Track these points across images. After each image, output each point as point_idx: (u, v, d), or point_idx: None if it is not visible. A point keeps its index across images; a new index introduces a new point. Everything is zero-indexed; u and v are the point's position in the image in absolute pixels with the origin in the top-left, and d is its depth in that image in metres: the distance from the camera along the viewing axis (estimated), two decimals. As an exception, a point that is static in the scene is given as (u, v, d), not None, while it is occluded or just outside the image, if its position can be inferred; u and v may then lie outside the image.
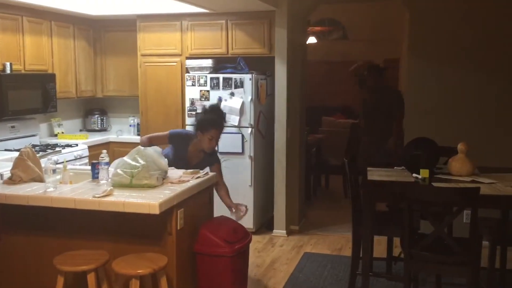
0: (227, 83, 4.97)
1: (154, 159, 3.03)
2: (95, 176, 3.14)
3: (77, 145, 4.97)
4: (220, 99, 5.01)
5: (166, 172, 3.14)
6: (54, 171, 2.99)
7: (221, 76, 5.01)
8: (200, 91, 5.08)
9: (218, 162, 3.78)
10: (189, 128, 4.98)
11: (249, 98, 4.90)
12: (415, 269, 3.24)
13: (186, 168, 3.46)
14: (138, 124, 5.74)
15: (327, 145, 7.29)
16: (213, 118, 3.61)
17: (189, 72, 5.19)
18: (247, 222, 4.91)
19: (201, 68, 5.12)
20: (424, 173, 3.37)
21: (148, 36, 5.41)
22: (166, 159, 3.17)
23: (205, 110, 3.75)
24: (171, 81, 5.36)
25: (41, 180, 3.09)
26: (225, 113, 3.89)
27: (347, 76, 10.83)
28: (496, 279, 3.59)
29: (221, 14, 5.11)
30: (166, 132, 3.82)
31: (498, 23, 4.54)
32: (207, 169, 3.63)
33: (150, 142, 3.62)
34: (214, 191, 3.58)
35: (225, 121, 3.74)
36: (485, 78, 4.61)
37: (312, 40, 9.62)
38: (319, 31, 10.07)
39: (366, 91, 5.95)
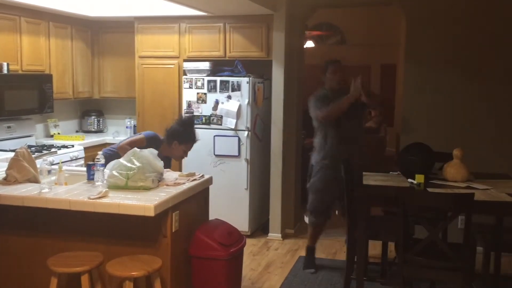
0: (224, 86, 4.97)
1: (150, 161, 3.03)
2: (90, 177, 3.14)
3: (73, 146, 4.96)
4: (217, 102, 5.02)
5: (161, 174, 3.15)
6: (49, 172, 2.99)
7: (218, 79, 5.01)
8: (197, 93, 5.08)
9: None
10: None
11: (246, 101, 4.91)
12: (409, 274, 3.24)
13: None
14: (134, 125, 5.73)
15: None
16: (193, 132, 3.78)
17: (186, 75, 5.19)
18: (242, 225, 4.91)
19: (198, 71, 5.12)
20: (419, 178, 3.38)
21: (146, 38, 5.41)
22: (162, 162, 3.18)
23: (184, 122, 3.83)
24: (168, 83, 5.37)
25: (36, 181, 3.08)
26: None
27: (344, 81, 10.83)
28: (490, 285, 3.60)
29: (219, 17, 5.12)
30: (141, 136, 3.85)
31: (495, 28, 4.57)
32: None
33: (129, 147, 3.60)
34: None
35: (197, 136, 3.90)
36: (481, 84, 4.63)
37: (309, 44, 9.65)
38: (317, 35, 10.10)
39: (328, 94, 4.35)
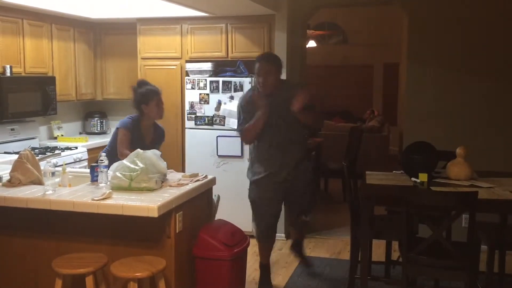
0: (227, 86, 4.98)
1: (153, 162, 3.04)
2: (94, 179, 3.15)
3: (76, 148, 4.97)
4: (219, 102, 5.02)
5: (165, 175, 3.15)
6: (53, 173, 2.99)
7: (220, 79, 5.02)
8: (200, 94, 5.09)
9: (164, 140, 4.04)
10: (190, 126, 5.18)
11: (249, 101, 4.91)
12: (413, 273, 3.24)
13: (142, 148, 3.35)
14: (137, 127, 5.74)
15: (327, 148, 7.29)
16: (148, 88, 3.80)
17: (188, 76, 5.20)
18: (246, 225, 4.90)
19: (200, 72, 5.13)
20: (422, 177, 3.37)
21: (148, 39, 5.42)
22: (165, 162, 3.18)
23: (136, 87, 3.84)
24: (170, 84, 5.37)
25: (40, 182, 3.09)
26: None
27: (347, 80, 10.85)
28: (494, 283, 3.59)
29: (221, 18, 5.12)
30: (121, 130, 3.76)
31: (497, 27, 4.56)
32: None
33: (128, 150, 3.52)
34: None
35: (158, 88, 3.88)
36: (484, 83, 4.62)
37: (311, 44, 9.65)
38: (319, 35, 10.10)
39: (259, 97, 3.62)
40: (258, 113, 3.52)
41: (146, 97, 3.76)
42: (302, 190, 3.81)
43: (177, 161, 5.28)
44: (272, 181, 3.69)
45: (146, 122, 3.84)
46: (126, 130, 3.75)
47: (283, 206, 3.92)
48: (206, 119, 5.08)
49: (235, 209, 4.92)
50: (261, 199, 3.75)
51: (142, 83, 3.91)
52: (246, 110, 3.63)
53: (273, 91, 3.55)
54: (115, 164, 3.09)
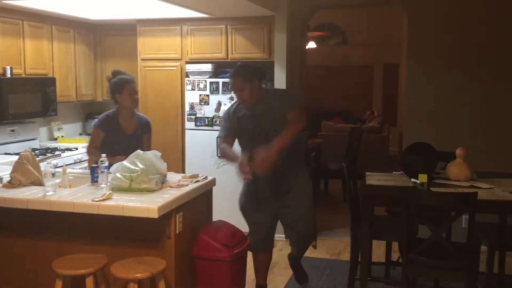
0: (227, 87, 4.98)
1: (153, 163, 3.04)
2: (94, 180, 3.15)
3: (76, 149, 4.98)
4: (219, 103, 5.03)
5: (165, 176, 3.15)
6: (53, 174, 3.00)
7: (220, 80, 5.03)
8: (200, 95, 5.10)
9: (151, 129, 3.89)
10: (190, 127, 5.18)
11: (249, 102, 4.91)
12: (413, 274, 3.25)
13: (124, 140, 3.55)
14: (137, 128, 5.74)
15: (326, 149, 7.30)
16: (121, 77, 3.72)
17: (188, 77, 5.21)
18: (246, 226, 4.90)
19: (200, 73, 5.13)
20: (422, 178, 3.38)
21: (148, 40, 5.43)
22: (165, 163, 3.18)
23: (110, 77, 3.80)
24: (171, 86, 5.38)
25: (40, 183, 3.10)
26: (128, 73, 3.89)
27: (347, 81, 10.86)
28: (494, 284, 3.59)
29: (220, 19, 5.13)
30: (94, 128, 3.80)
31: (497, 27, 4.56)
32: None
33: (95, 149, 3.65)
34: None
35: (132, 77, 3.79)
36: (484, 83, 4.62)
37: (311, 44, 9.66)
38: (318, 36, 10.10)
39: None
40: (237, 160, 3.22)
41: (119, 86, 3.68)
42: (298, 211, 3.41)
43: (177, 162, 5.29)
44: (257, 195, 3.44)
45: (123, 113, 3.75)
46: (97, 128, 3.76)
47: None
48: (206, 120, 5.09)
49: (235, 210, 4.91)
50: (248, 209, 3.54)
51: (116, 73, 3.82)
52: (228, 119, 3.44)
53: (255, 103, 3.30)
54: (115, 165, 3.10)
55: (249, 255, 3.52)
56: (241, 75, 3.30)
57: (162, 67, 5.40)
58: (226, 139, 3.45)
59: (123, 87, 3.66)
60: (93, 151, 3.66)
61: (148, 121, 3.89)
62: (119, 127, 3.72)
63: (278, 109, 3.26)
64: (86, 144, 5.18)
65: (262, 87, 3.39)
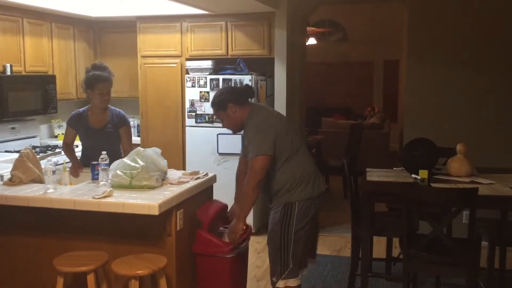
0: (227, 84, 4.97)
1: (154, 160, 3.04)
2: (94, 177, 3.16)
3: (77, 146, 4.96)
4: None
5: (165, 173, 3.15)
6: (54, 172, 3.00)
7: (220, 77, 5.02)
8: (200, 92, 5.09)
9: (127, 124, 3.85)
10: (190, 124, 5.11)
11: (249, 99, 4.90)
12: (413, 270, 3.25)
13: (97, 134, 3.67)
14: (138, 125, 5.75)
15: (327, 146, 7.30)
16: (96, 74, 3.68)
17: (189, 73, 5.20)
18: (247, 222, 4.90)
19: (201, 69, 5.13)
20: (423, 173, 3.38)
21: (148, 37, 5.42)
22: (165, 160, 3.18)
23: (89, 69, 3.79)
24: (171, 82, 5.38)
25: (41, 181, 3.10)
26: (108, 69, 3.81)
27: (347, 77, 10.84)
28: (495, 279, 3.59)
29: (220, 16, 5.12)
30: (66, 127, 3.91)
31: (498, 24, 4.55)
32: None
33: (67, 145, 3.85)
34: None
35: (111, 75, 3.74)
36: (484, 79, 4.62)
37: (312, 41, 9.64)
38: (319, 32, 10.08)
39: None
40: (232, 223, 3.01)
41: (91, 82, 3.65)
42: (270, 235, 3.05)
43: (178, 159, 5.29)
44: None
45: (93, 108, 3.75)
46: (67, 125, 3.86)
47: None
48: (207, 117, 5.08)
49: (236, 206, 4.93)
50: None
51: (95, 67, 3.76)
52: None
53: (240, 127, 3.07)
54: (115, 162, 3.10)
55: (251, 250, 3.51)
56: (214, 106, 3.08)
57: (162, 64, 5.40)
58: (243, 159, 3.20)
59: (95, 85, 3.65)
60: (63, 146, 3.92)
61: (123, 115, 3.87)
62: (87, 122, 3.76)
63: (246, 134, 3.03)
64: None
65: (246, 106, 3.03)
